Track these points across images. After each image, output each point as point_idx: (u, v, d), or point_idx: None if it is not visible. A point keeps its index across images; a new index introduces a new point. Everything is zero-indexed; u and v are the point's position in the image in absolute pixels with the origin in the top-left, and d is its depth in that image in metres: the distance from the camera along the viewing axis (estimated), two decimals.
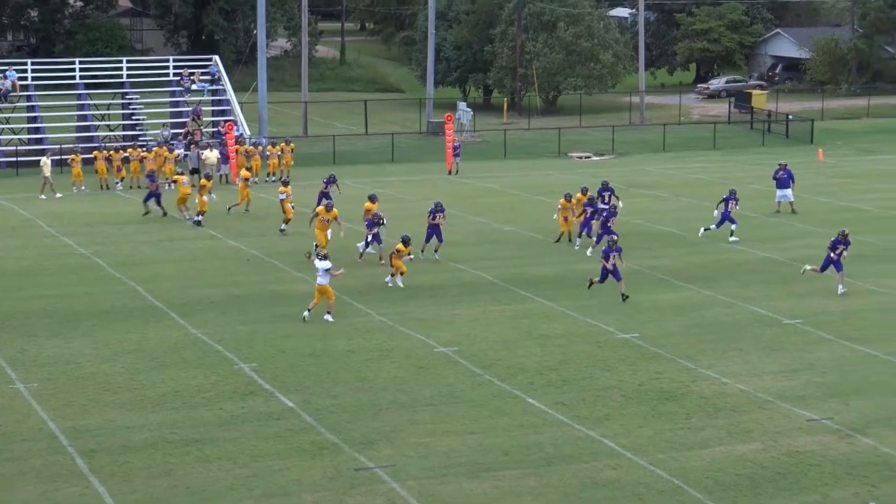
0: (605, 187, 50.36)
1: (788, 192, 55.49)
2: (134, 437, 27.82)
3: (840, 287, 41.06)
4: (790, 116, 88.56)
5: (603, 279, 40.02)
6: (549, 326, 37.12)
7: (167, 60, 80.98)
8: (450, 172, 68.83)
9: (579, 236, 48.22)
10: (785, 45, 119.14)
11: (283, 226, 50.65)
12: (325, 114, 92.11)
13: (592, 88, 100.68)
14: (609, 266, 39.61)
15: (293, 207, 51.03)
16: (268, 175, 64.51)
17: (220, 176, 64.07)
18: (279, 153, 64.92)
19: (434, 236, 45.36)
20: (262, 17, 75.79)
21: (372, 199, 46.42)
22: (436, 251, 45.58)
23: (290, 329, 36.71)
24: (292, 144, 66.58)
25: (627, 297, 39.66)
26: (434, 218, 45.24)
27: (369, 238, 45.14)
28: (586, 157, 76.85)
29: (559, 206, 48.66)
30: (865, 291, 41.72)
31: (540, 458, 26.79)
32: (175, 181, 56.61)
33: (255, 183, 61.24)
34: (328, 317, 37.21)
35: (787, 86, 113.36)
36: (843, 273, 41.13)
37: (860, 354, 34.78)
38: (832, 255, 41.08)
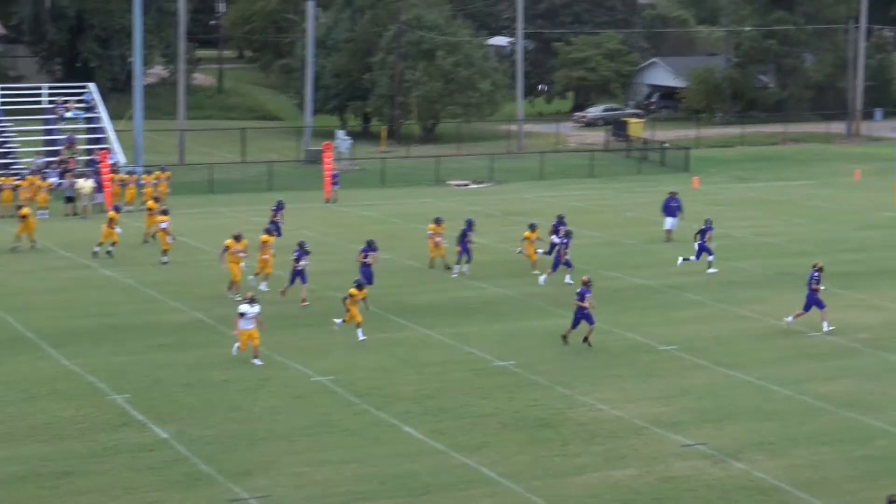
0: (561, 221, 50.17)
1: (675, 220, 55.93)
2: (3, 469, 27.27)
3: (825, 325, 40.14)
4: (666, 144, 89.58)
5: (576, 324, 37.87)
6: (426, 354, 37.07)
7: (41, 88, 79.82)
8: (328, 201, 68.62)
9: (555, 269, 47.62)
10: (661, 74, 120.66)
11: (163, 256, 50.03)
12: (203, 142, 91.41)
13: (471, 117, 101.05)
14: (585, 305, 37.46)
15: (172, 239, 50.52)
16: (132, 202, 63.42)
17: (94, 205, 63.14)
18: (154, 181, 64.22)
19: (364, 277, 43.41)
20: (139, 44, 75.05)
21: (269, 231, 45.82)
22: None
23: (164, 359, 36.27)
24: (167, 172, 65.94)
25: (591, 345, 38.05)
26: (366, 257, 43.96)
27: (298, 269, 42.89)
28: (465, 185, 77.05)
29: (427, 233, 48.72)
30: (738, 317, 42.23)
31: (417, 487, 26.71)
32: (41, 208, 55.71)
33: (131, 211, 60.59)
34: (257, 361, 35.71)
35: (663, 114, 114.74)
36: (826, 310, 40.19)
37: (733, 380, 35.18)
38: (812, 291, 40.08)
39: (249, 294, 36.64)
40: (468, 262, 48.36)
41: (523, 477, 27.33)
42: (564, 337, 38.13)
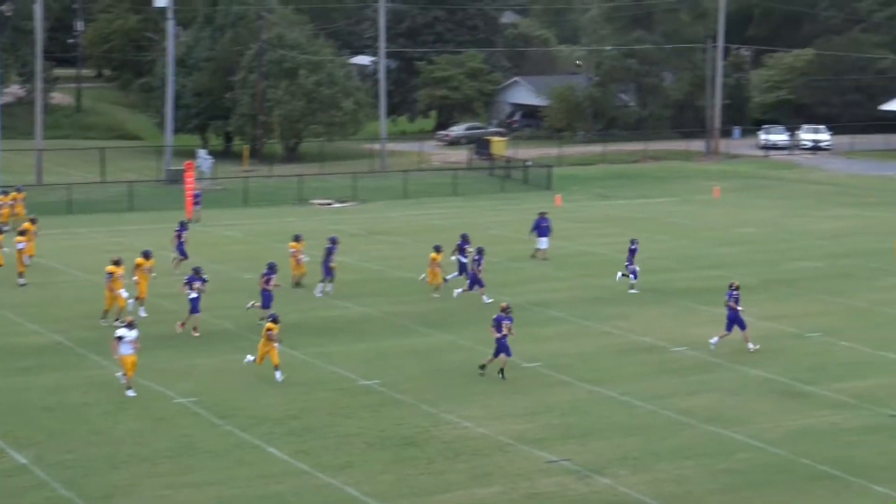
0: (465, 240, 50.05)
1: (547, 240, 56.18)
2: None
3: (750, 345, 40.23)
4: (529, 162, 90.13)
5: (497, 353, 36.67)
6: (291, 374, 36.73)
7: None
8: (189, 220, 67.89)
9: (471, 287, 47.33)
10: (523, 93, 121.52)
11: (20, 278, 49.01)
12: (61, 162, 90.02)
13: (334, 136, 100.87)
14: (501, 334, 36.36)
15: (27, 259, 49.58)
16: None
17: None
18: (11, 202, 63.02)
19: (264, 301, 42.80)
20: None
21: (146, 255, 44.70)
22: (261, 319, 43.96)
23: (23, 383, 35.53)
24: (23, 193, 64.76)
25: (505, 377, 36.73)
26: (268, 281, 42.97)
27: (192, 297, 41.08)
28: (328, 205, 76.78)
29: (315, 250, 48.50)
30: (602, 333, 42.53)
31: None
32: None
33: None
34: (130, 392, 34.50)
35: (525, 132, 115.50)
36: (747, 331, 40.31)
37: (597, 396, 35.38)
38: (731, 310, 40.16)
39: (128, 318, 35.98)
40: (331, 281, 48.12)
41: (388, 496, 27.19)
42: (482, 367, 37.06)
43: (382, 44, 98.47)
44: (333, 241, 48.86)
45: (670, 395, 35.43)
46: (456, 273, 49.35)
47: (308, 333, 41.69)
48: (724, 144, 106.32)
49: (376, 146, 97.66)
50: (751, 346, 40.24)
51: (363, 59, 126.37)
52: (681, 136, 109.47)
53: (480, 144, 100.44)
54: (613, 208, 74.55)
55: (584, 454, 30.37)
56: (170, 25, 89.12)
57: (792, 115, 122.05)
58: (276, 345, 35.82)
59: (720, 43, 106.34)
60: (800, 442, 31.60)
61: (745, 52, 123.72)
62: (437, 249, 47.77)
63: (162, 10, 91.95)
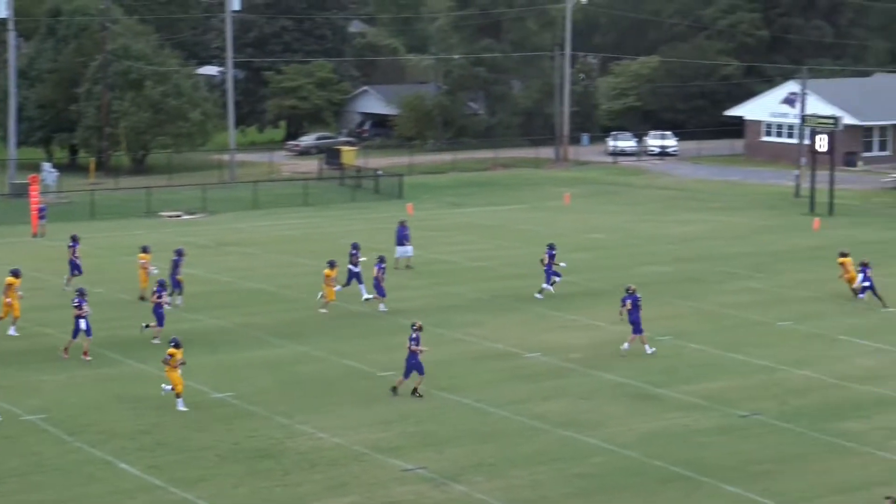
0: (356, 247, 49.68)
1: (407, 248, 56.06)
2: None
3: (626, 345, 40.76)
4: (379, 172, 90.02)
5: (408, 373, 35.86)
6: (141, 389, 36.20)
7: None
8: (35, 235, 66.62)
9: (381, 294, 46.87)
10: (373, 102, 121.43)
11: None
12: None
13: (182, 147, 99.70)
14: (418, 350, 35.74)
15: None
16: None
17: None
18: None
19: (157, 319, 42.25)
20: None
21: (15, 273, 43.53)
22: (154, 337, 43.30)
23: None
24: None
25: (421, 395, 36.09)
26: (160, 297, 42.28)
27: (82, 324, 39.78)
28: (177, 216, 75.90)
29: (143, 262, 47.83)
30: (455, 341, 42.57)
31: None
32: None
33: None
34: None
35: (375, 142, 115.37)
36: (643, 334, 40.85)
37: (452, 403, 35.40)
38: (628, 314, 40.65)
39: None
40: (180, 293, 47.54)
41: None
42: (394, 388, 36.28)
43: (230, 54, 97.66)
44: (179, 253, 48.29)
45: (524, 401, 35.58)
46: (343, 284, 48.78)
47: (158, 347, 41.01)
48: (573, 151, 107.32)
49: (225, 157, 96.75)
50: (648, 348, 40.94)
51: (210, 70, 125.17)
52: (530, 144, 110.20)
53: (330, 154, 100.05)
54: (465, 216, 74.77)
55: (439, 462, 30.36)
56: (11, 37, 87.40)
57: (639, 121, 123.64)
58: (178, 370, 34.68)
59: (567, 51, 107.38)
60: (652, 444, 31.95)
61: (593, 59, 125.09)
62: (332, 265, 47.04)
63: (2, 21, 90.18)
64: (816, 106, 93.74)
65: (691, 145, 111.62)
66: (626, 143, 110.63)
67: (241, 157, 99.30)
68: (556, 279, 49.94)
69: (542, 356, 40.54)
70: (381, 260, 47.57)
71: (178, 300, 47.32)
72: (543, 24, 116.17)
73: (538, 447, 31.73)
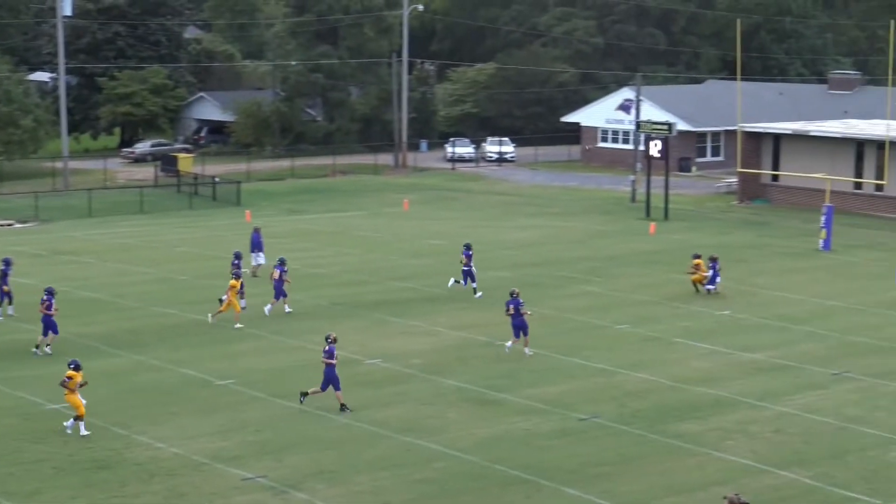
0: (237, 256, 49.51)
1: (262, 256, 55.47)
2: None
3: (527, 350, 41.22)
4: (217, 179, 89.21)
5: (325, 387, 35.39)
6: None
7: None
8: None
9: (278, 297, 47.18)
10: (209, 109, 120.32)
11: None
12: None
13: (13, 154, 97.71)
14: (333, 362, 35.42)
15: None
16: None
17: None
18: None
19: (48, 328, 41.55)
20: None
21: None
22: (47, 346, 42.18)
23: None
24: None
25: (347, 408, 35.39)
26: (49, 307, 41.32)
27: None
28: (9, 225, 74.30)
29: None
30: (295, 348, 42.30)
31: None
32: None
33: None
34: None
35: (212, 148, 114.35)
36: (528, 337, 41.28)
37: (292, 411, 35.15)
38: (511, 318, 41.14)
39: None
40: (10, 304, 46.53)
41: None
42: (304, 394, 35.89)
43: (62, 59, 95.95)
44: (7, 263, 47.26)
45: (365, 408, 35.46)
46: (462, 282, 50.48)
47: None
48: (411, 157, 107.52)
49: (58, 164, 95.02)
50: (527, 350, 41.29)
51: (42, 76, 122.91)
52: (369, 150, 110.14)
53: (167, 161, 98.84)
54: (304, 223, 74.38)
55: (280, 470, 30.12)
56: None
57: (477, 127, 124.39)
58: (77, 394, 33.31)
59: (405, 57, 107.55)
60: (493, 449, 32.06)
61: (430, 66, 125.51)
62: (237, 276, 46.46)
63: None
64: (651, 112, 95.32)
65: (529, 151, 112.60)
66: (465, 149, 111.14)
67: (74, 164, 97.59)
68: (473, 282, 50.96)
69: (383, 362, 40.46)
70: (282, 262, 47.84)
71: (10, 310, 46.31)
72: (380, 31, 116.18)
73: (379, 453, 31.64)
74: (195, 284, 53.34)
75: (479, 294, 50.58)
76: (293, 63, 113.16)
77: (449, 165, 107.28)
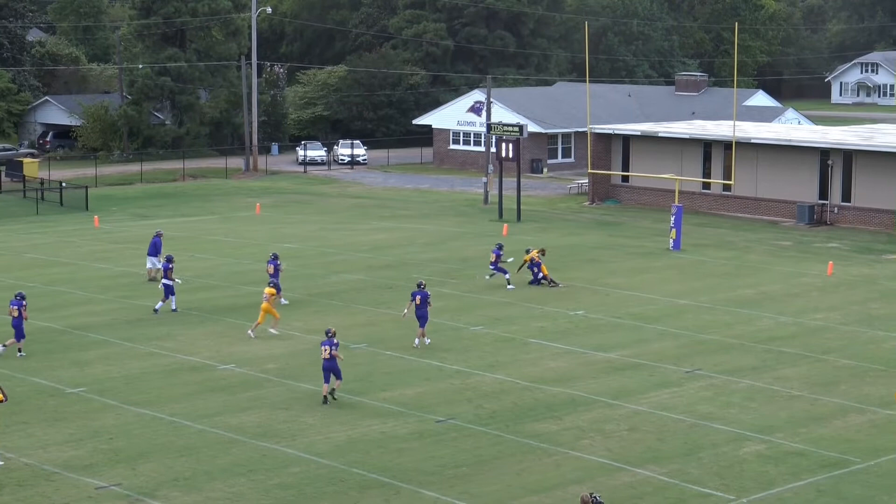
0: (170, 260, 49.10)
1: (156, 259, 54.45)
2: None
3: (424, 340, 42.90)
4: (63, 184, 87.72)
5: (327, 378, 35.88)
6: None
7: None
8: None
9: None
10: (55, 113, 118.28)
11: None
12: None
13: None
14: (334, 356, 36.10)
15: None
16: None
17: None
18: None
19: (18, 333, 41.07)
20: None
21: None
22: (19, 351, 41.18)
23: None
24: None
25: (336, 398, 36.20)
26: (18, 312, 40.68)
27: None
28: None
29: None
30: (147, 354, 41.67)
31: None
32: None
33: None
34: None
35: (59, 153, 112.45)
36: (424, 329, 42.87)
37: (145, 418, 34.62)
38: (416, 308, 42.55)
39: None
40: None
41: None
42: (325, 398, 36.26)
43: None
44: None
45: (219, 413, 35.07)
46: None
47: None
48: (263, 161, 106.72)
49: None
50: (424, 341, 42.89)
51: None
52: (219, 154, 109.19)
53: (12, 166, 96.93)
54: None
55: (133, 478, 29.63)
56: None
57: (328, 130, 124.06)
58: None
59: (254, 60, 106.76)
60: (350, 452, 31.90)
61: (280, 68, 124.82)
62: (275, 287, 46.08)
63: None
64: (502, 114, 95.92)
65: (381, 154, 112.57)
66: (316, 152, 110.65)
67: None
68: (500, 273, 53.44)
69: (237, 367, 40.05)
70: (169, 260, 48.44)
71: None
72: (229, 34, 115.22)
73: (235, 459, 31.29)
74: (45, 291, 52.27)
75: (510, 286, 52.84)
76: (140, 66, 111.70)
77: (301, 169, 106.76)
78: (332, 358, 36.08)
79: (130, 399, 36.31)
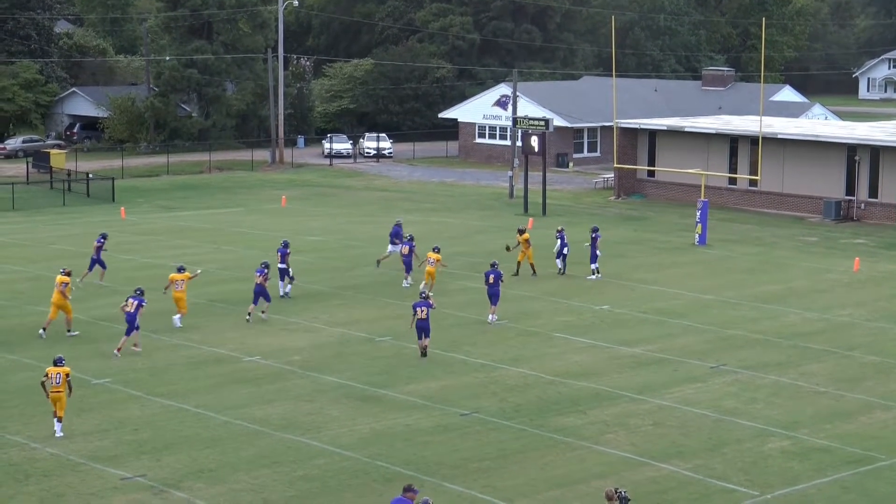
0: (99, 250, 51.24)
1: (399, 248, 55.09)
2: None
3: (491, 317, 45.59)
4: (90, 175, 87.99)
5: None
6: None
7: None
8: None
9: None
10: (82, 104, 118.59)
11: None
12: None
13: None
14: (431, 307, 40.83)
15: None
16: None
17: None
18: None
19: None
20: None
21: None
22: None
23: None
24: None
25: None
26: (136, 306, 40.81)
27: None
28: None
29: None
30: (172, 346, 41.79)
31: None
32: None
33: None
34: None
35: (85, 144, 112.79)
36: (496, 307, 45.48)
37: (170, 409, 34.73)
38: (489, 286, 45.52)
39: None
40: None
41: None
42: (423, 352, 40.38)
43: None
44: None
45: (244, 405, 35.16)
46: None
47: None
48: (289, 154, 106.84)
49: None
50: (494, 318, 45.42)
51: None
52: (245, 146, 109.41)
53: (39, 157, 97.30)
54: (179, 220, 73.57)
55: (158, 469, 29.73)
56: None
57: (355, 123, 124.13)
58: None
59: (280, 53, 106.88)
60: (374, 445, 31.95)
61: (306, 61, 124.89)
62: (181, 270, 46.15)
63: None
64: (528, 108, 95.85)
65: (407, 147, 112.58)
66: (342, 145, 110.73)
67: None
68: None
69: (262, 359, 40.14)
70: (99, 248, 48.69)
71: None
72: (255, 26, 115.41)
73: (260, 451, 31.37)
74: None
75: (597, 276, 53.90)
76: (167, 58, 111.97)
77: (326, 161, 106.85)
78: (426, 318, 39.97)
79: (155, 390, 36.43)
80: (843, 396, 36.93)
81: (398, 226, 57.07)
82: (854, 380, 38.74)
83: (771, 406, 35.88)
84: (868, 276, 55.59)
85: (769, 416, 34.93)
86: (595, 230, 54.76)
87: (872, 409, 35.28)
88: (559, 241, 54.82)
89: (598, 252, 54.09)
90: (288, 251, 49.91)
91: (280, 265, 49.54)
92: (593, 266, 54.01)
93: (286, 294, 49.36)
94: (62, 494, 27.94)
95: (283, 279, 49.90)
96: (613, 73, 75.54)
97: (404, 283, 51.75)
